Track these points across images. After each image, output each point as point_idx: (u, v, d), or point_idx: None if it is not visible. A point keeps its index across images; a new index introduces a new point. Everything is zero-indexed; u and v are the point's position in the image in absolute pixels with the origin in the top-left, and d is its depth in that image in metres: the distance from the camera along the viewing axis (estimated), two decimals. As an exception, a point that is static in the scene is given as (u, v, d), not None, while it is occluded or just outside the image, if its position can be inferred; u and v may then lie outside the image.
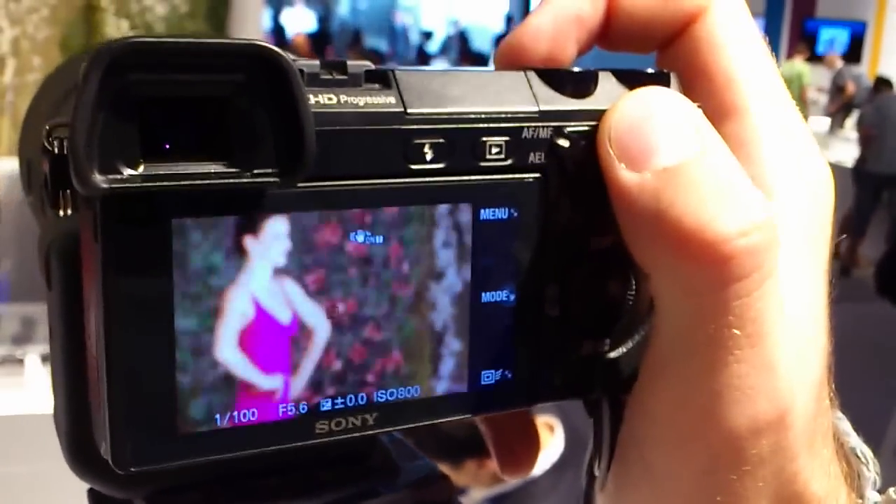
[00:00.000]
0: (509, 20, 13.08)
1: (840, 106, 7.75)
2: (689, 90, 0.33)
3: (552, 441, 1.65)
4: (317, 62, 0.29)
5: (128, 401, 0.27)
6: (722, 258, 0.28)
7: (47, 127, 0.27)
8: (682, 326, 0.30)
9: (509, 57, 0.34)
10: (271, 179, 0.27)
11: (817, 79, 8.39)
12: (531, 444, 0.40)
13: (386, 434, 0.36)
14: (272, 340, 0.29)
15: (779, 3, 9.91)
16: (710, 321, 0.29)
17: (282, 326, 0.29)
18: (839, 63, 8.42)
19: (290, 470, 0.34)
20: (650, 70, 0.33)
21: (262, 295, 0.28)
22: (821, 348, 0.32)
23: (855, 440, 0.36)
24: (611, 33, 0.35)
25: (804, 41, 9.09)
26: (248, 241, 0.28)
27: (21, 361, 2.00)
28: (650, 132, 0.30)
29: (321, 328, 0.30)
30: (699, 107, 0.31)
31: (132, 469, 0.28)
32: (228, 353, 0.28)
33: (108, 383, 0.27)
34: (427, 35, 14.55)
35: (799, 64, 7.99)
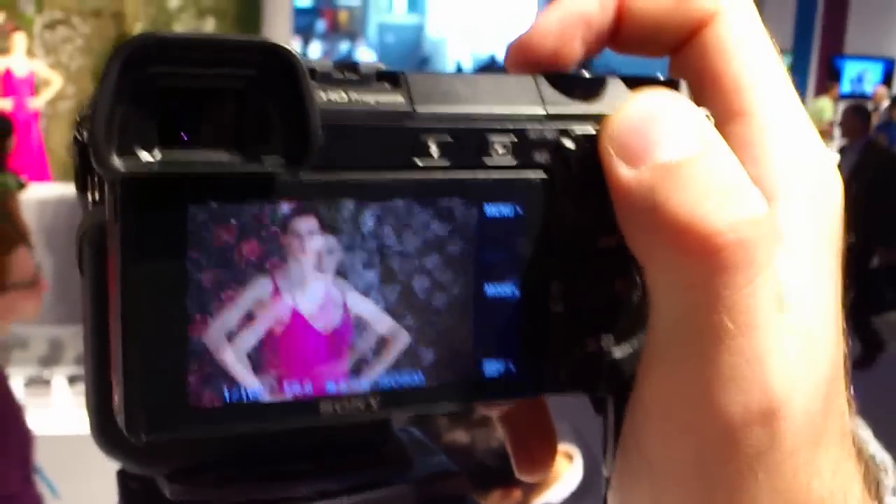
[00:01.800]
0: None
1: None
2: (698, 94, 0.34)
3: (571, 469, 1.65)
4: (330, 62, 0.30)
5: (142, 373, 0.29)
6: (713, 251, 0.29)
7: (77, 118, 0.29)
8: (675, 318, 0.31)
9: (517, 56, 0.35)
10: (279, 169, 0.28)
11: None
12: (548, 446, 0.40)
13: (391, 420, 0.37)
14: (280, 322, 0.30)
15: (807, 39, 9.91)
16: (702, 312, 0.30)
17: (290, 309, 0.30)
18: (886, 99, 8.36)
19: (305, 456, 0.35)
20: (660, 77, 0.34)
21: (272, 278, 0.30)
22: (830, 348, 0.32)
23: (874, 447, 0.37)
24: (620, 36, 0.35)
25: (832, 78, 9.08)
26: (260, 228, 0.29)
27: (48, 383, 2.03)
28: (650, 131, 0.31)
29: (329, 313, 0.31)
30: (709, 116, 0.32)
31: (143, 437, 0.29)
32: (238, 332, 0.30)
33: (124, 356, 0.29)
34: (458, 70, 14.66)
35: (823, 101, 8.00)
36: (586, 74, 0.33)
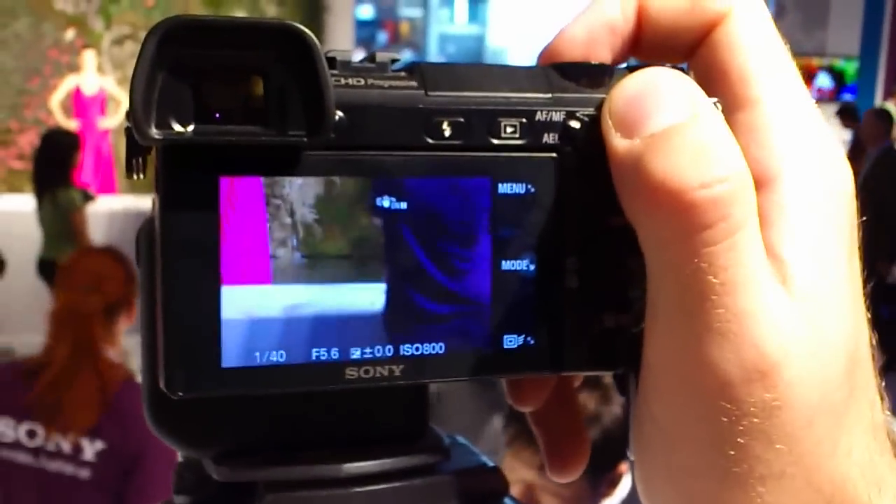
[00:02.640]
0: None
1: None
2: (708, 89, 0.34)
3: (621, 482, 1.64)
4: (350, 51, 0.33)
5: (179, 335, 0.31)
6: (684, 207, 0.30)
7: (126, 110, 0.31)
8: (663, 276, 0.32)
9: (546, 62, 0.36)
10: (300, 140, 0.31)
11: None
12: (580, 447, 0.41)
13: (427, 413, 0.38)
14: (306, 288, 0.33)
15: (874, 45, 9.72)
16: (684, 267, 0.31)
17: (312, 278, 0.33)
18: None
19: (345, 442, 0.37)
20: (668, 65, 0.35)
21: (297, 246, 0.32)
22: (846, 325, 0.32)
23: None
24: (642, 42, 0.37)
25: (901, 83, 8.88)
26: (286, 198, 0.32)
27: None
28: (645, 103, 0.32)
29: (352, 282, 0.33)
30: (717, 103, 0.33)
31: (181, 395, 0.32)
32: (267, 297, 0.32)
33: (164, 319, 0.31)
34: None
35: (889, 105, 7.83)
36: (594, 63, 0.35)
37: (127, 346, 2.15)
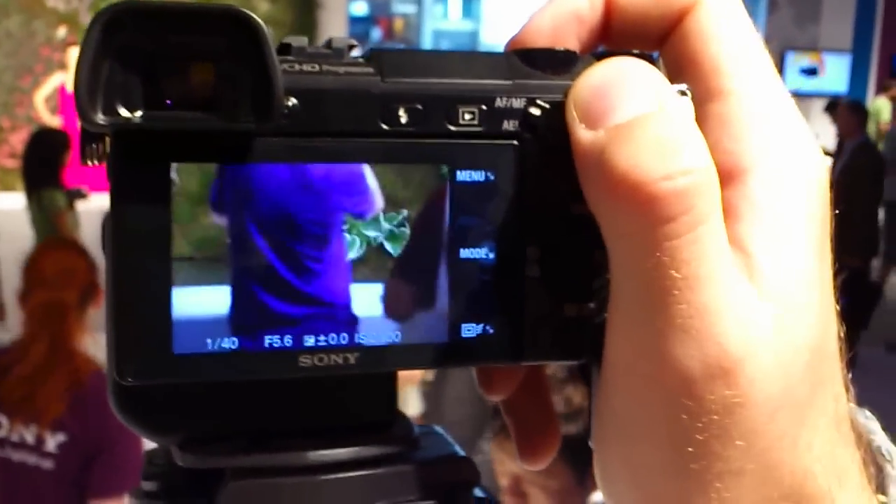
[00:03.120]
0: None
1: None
2: (681, 78, 0.34)
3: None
4: (305, 38, 0.33)
5: (130, 322, 0.31)
6: (646, 199, 0.30)
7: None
8: (625, 269, 0.31)
9: None
10: (249, 126, 0.31)
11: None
12: (551, 434, 0.41)
13: (396, 402, 0.38)
14: (260, 275, 0.33)
15: (866, 39, 9.73)
16: (646, 261, 0.30)
17: (269, 263, 0.32)
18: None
19: (313, 430, 0.37)
20: (636, 51, 0.34)
21: (250, 234, 0.32)
22: (814, 320, 0.32)
23: (882, 439, 0.36)
24: (611, 30, 0.36)
25: (893, 76, 8.90)
26: (239, 186, 0.32)
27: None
28: (608, 94, 0.31)
29: (308, 269, 0.33)
30: (687, 90, 0.33)
31: (130, 381, 0.31)
32: (220, 284, 0.32)
33: (115, 306, 0.31)
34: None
35: (880, 101, 7.86)
36: (557, 49, 0.35)
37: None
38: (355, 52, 0.34)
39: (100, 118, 0.30)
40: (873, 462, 0.35)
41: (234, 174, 0.32)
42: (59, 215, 4.55)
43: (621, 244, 0.31)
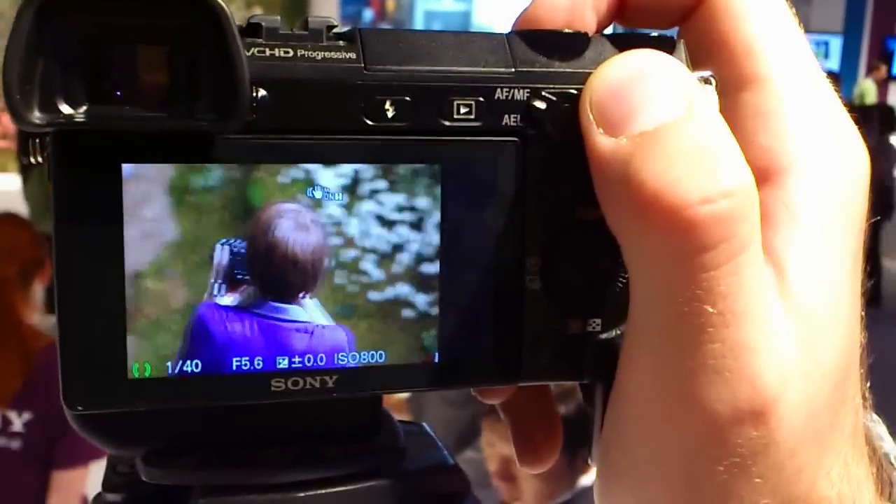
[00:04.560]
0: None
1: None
2: (707, 62, 0.31)
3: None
4: (278, 18, 0.29)
5: (79, 343, 0.28)
6: (683, 225, 0.27)
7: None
8: (653, 301, 0.28)
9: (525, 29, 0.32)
10: (208, 124, 0.27)
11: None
12: (552, 437, 0.39)
13: (382, 408, 0.35)
14: (228, 290, 0.29)
15: (858, 20, 9.71)
16: (678, 295, 0.27)
17: (237, 276, 0.29)
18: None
19: (290, 442, 0.34)
20: (654, 34, 0.32)
21: (214, 244, 0.29)
22: (840, 338, 0.29)
23: (890, 446, 0.35)
24: (628, 8, 0.34)
25: (883, 59, 8.91)
26: (199, 190, 0.28)
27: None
28: (632, 96, 0.28)
29: (282, 283, 0.30)
30: (712, 77, 0.30)
31: (80, 409, 0.28)
32: (181, 299, 0.29)
33: (60, 324, 0.28)
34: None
35: (866, 83, 7.87)
36: (567, 31, 0.31)
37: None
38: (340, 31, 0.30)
39: (36, 117, 0.26)
40: (880, 468, 0.33)
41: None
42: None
43: (649, 272, 0.28)
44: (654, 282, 0.28)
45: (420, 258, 0.31)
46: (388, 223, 0.30)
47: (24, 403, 1.94)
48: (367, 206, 0.30)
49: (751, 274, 0.28)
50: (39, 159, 0.29)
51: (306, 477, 0.33)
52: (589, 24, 0.33)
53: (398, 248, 0.30)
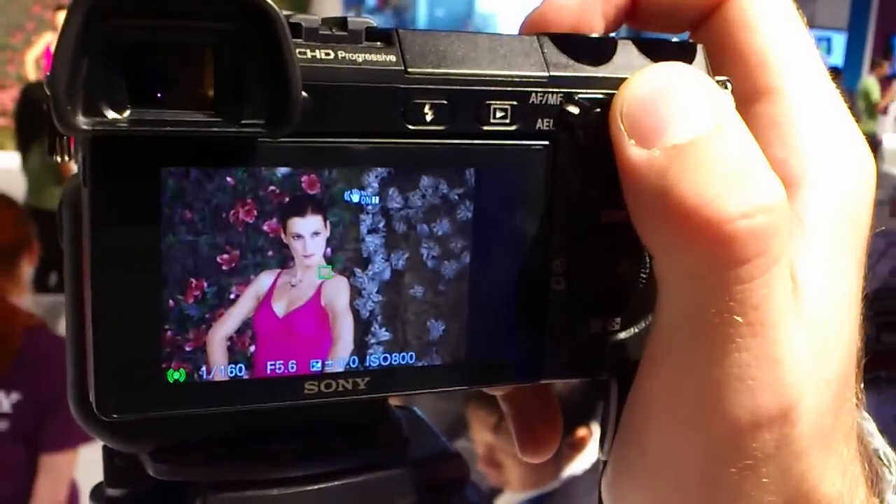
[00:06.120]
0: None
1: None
2: (721, 70, 0.32)
3: (593, 440, 1.66)
4: (318, 17, 0.28)
5: (113, 348, 0.28)
6: (722, 239, 0.27)
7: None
8: (683, 310, 0.29)
9: (533, 30, 0.32)
10: (257, 130, 0.27)
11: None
12: (553, 427, 0.39)
13: (386, 400, 0.35)
14: (263, 297, 0.29)
15: (863, 17, 9.70)
16: (710, 306, 0.28)
17: (272, 282, 0.29)
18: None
19: (295, 435, 0.33)
20: (675, 40, 0.32)
21: (253, 250, 0.29)
22: (844, 346, 0.30)
23: (879, 442, 0.35)
24: (639, 11, 0.34)
25: (885, 56, 8.91)
26: (241, 197, 0.28)
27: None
28: (663, 109, 0.29)
29: (311, 287, 0.30)
30: (728, 82, 0.30)
31: (115, 416, 0.28)
32: (217, 306, 0.29)
33: (94, 330, 0.27)
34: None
35: (869, 80, 7.89)
36: (594, 35, 0.31)
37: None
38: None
39: (82, 121, 0.25)
40: (871, 465, 0.34)
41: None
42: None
43: (681, 281, 0.29)
44: (685, 291, 0.29)
45: (450, 260, 0.31)
46: (416, 223, 0.30)
47: (11, 384, 1.92)
48: (396, 207, 0.30)
49: (781, 286, 0.28)
50: (66, 158, 0.29)
51: (311, 471, 0.33)
52: (597, 27, 0.33)
53: (425, 248, 0.30)
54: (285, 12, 0.27)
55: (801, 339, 0.29)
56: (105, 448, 0.34)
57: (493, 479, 1.77)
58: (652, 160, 0.28)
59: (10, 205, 2.15)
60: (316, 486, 0.33)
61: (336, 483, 0.33)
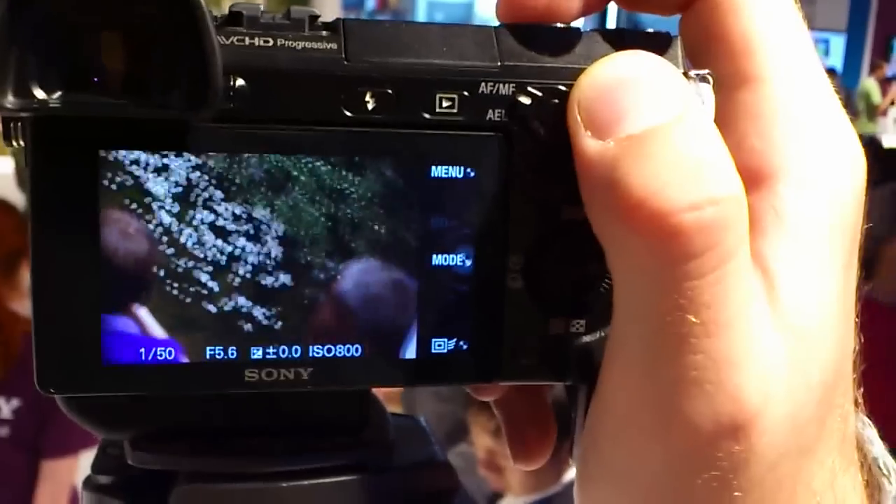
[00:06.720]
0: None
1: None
2: (706, 56, 0.31)
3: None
4: (259, 6, 0.29)
5: (54, 326, 0.28)
6: (668, 232, 0.26)
7: None
8: (636, 309, 0.28)
9: (508, 12, 0.31)
10: (177, 112, 0.27)
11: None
12: (545, 434, 0.38)
13: (371, 403, 0.35)
14: (204, 280, 0.29)
15: (862, 18, 9.70)
16: (661, 304, 0.27)
17: (210, 266, 0.29)
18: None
19: (278, 432, 0.33)
20: (649, 30, 0.31)
21: (189, 232, 0.29)
22: (829, 349, 0.29)
23: (879, 450, 0.33)
24: None
25: (884, 57, 8.92)
26: (176, 179, 0.28)
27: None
28: (620, 99, 0.28)
29: (257, 274, 0.30)
30: (709, 75, 0.29)
31: (52, 392, 0.29)
32: (156, 288, 0.29)
33: (35, 308, 0.28)
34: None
35: (868, 82, 7.88)
36: (559, 25, 0.31)
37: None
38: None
39: (10, 101, 0.26)
40: (870, 474, 0.33)
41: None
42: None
43: (632, 279, 0.28)
44: (636, 289, 0.28)
45: (398, 252, 0.30)
46: (360, 213, 0.30)
47: (11, 390, 1.93)
48: (339, 196, 0.30)
49: (737, 284, 0.27)
50: (21, 143, 0.29)
51: (291, 468, 0.33)
52: (574, 9, 0.32)
53: (371, 238, 0.30)
54: (240, 3, 0.28)
55: (771, 341, 0.28)
56: (100, 443, 0.35)
57: (494, 483, 1.77)
58: (605, 151, 0.27)
59: (11, 211, 2.15)
60: (290, 483, 0.33)
61: (311, 482, 0.33)
